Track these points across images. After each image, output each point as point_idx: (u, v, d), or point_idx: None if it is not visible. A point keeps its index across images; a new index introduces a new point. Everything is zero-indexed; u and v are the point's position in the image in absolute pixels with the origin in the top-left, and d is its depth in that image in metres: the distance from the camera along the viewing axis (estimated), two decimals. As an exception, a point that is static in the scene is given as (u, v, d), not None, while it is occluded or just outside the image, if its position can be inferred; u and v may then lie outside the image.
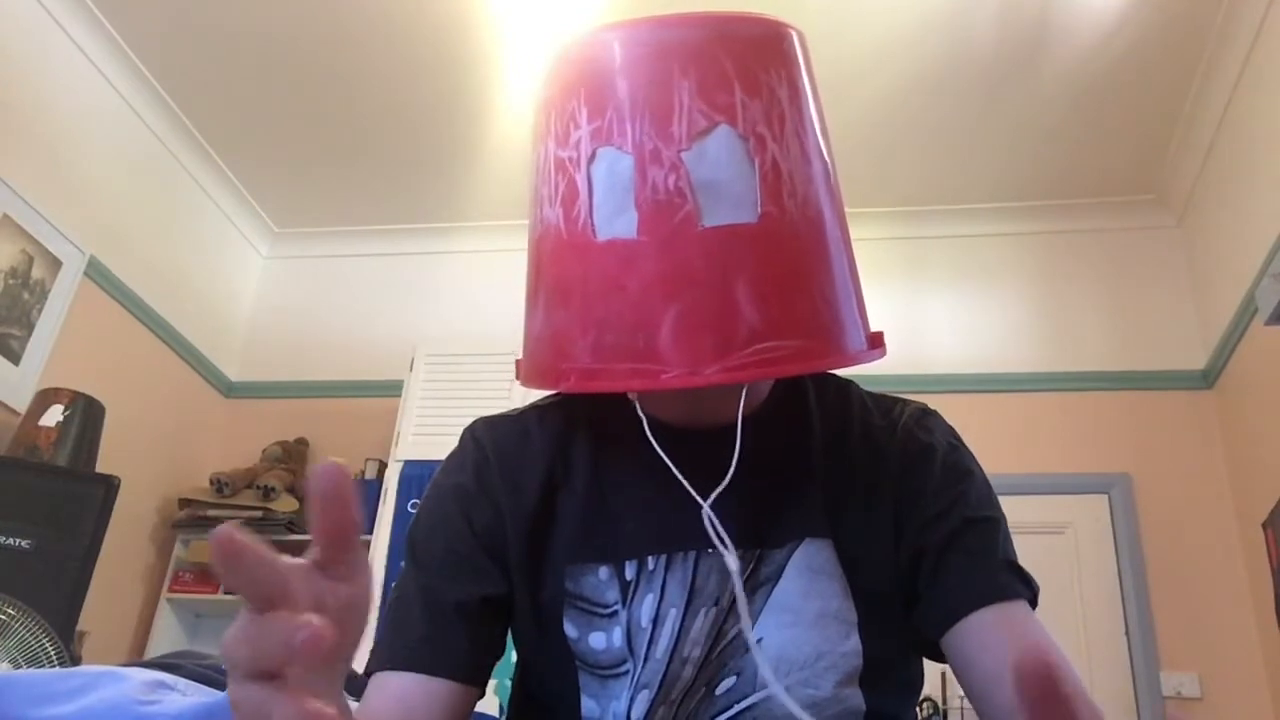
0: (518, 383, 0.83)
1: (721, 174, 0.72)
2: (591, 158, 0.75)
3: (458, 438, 0.91)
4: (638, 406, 0.81)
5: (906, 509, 0.82)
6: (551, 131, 0.79)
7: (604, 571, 0.81)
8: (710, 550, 0.79)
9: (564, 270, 0.77)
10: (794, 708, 0.72)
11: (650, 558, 0.80)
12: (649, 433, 0.79)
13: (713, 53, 0.75)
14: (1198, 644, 3.25)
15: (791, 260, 0.75)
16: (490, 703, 2.63)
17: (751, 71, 0.75)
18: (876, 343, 0.80)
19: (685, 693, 0.78)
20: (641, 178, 0.72)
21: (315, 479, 0.45)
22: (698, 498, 0.77)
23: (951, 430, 0.89)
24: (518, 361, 0.83)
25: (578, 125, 0.76)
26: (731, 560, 0.76)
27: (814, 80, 0.82)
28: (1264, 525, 3.10)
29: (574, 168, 0.76)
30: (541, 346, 0.79)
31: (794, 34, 0.81)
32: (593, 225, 0.74)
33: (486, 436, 0.89)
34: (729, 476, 0.76)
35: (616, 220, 0.73)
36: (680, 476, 0.78)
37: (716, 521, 0.77)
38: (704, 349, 0.70)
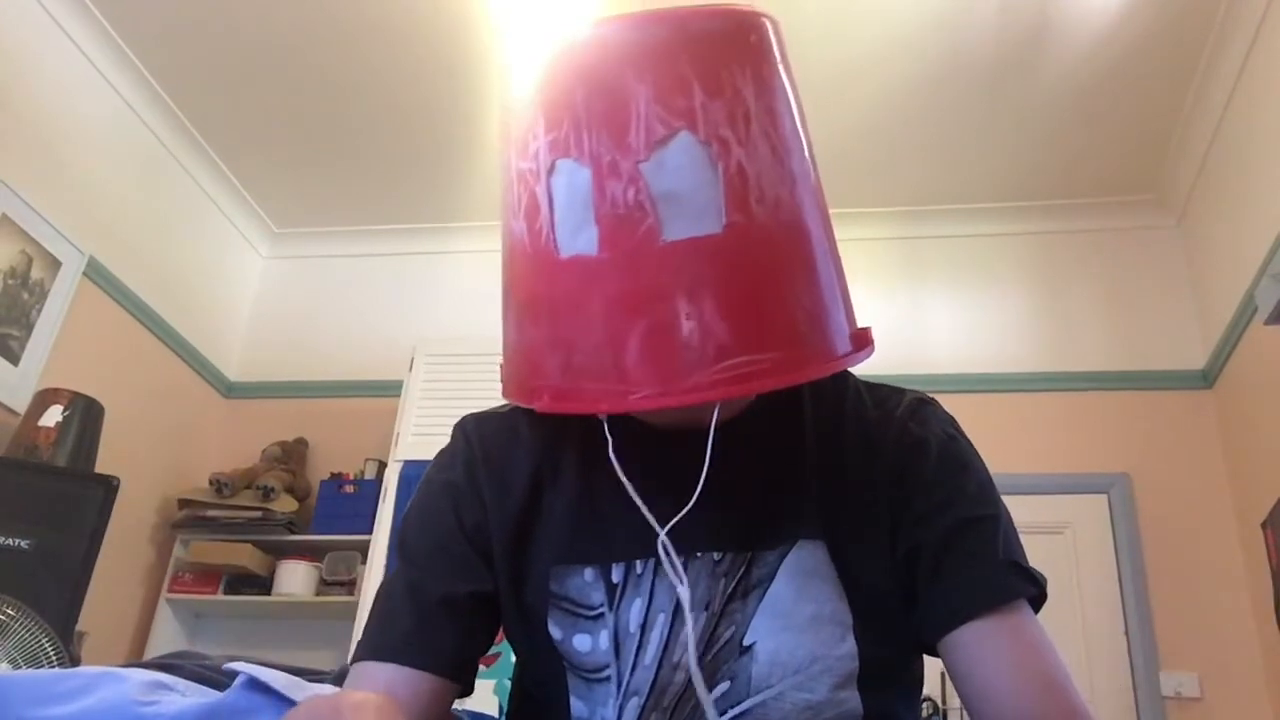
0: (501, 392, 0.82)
1: (683, 184, 0.69)
2: (550, 169, 0.72)
3: None
4: (604, 424, 0.79)
5: (901, 506, 0.80)
6: (512, 141, 0.77)
7: (589, 573, 0.80)
8: (699, 555, 0.78)
9: (531, 286, 0.75)
10: None
11: (638, 562, 0.79)
12: (613, 456, 0.77)
13: (671, 54, 0.71)
14: (1197, 644, 3.24)
15: (762, 270, 0.72)
16: (490, 702, 2.63)
17: (713, 71, 0.71)
18: (862, 342, 0.77)
19: (678, 699, 0.77)
20: (600, 192, 0.70)
21: None
22: (655, 525, 0.75)
23: (950, 420, 0.87)
24: (500, 366, 0.82)
25: (535, 135, 0.74)
26: (684, 592, 0.75)
27: (789, 70, 0.78)
28: (1263, 525, 3.10)
29: (534, 180, 0.73)
30: (518, 359, 0.78)
31: (764, 23, 0.77)
32: (555, 241, 0.72)
33: (476, 433, 0.88)
34: (691, 503, 0.75)
35: (578, 236, 0.71)
36: (640, 503, 0.76)
37: (671, 548, 0.75)
38: (672, 368, 0.69)
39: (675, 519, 0.76)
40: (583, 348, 0.71)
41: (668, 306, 0.69)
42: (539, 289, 0.74)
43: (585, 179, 0.71)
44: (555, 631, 0.80)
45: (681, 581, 0.75)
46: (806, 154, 0.78)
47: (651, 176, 0.69)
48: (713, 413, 0.75)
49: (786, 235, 0.73)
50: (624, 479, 0.76)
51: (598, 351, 0.71)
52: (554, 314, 0.73)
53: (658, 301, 0.69)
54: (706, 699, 0.75)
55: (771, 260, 0.73)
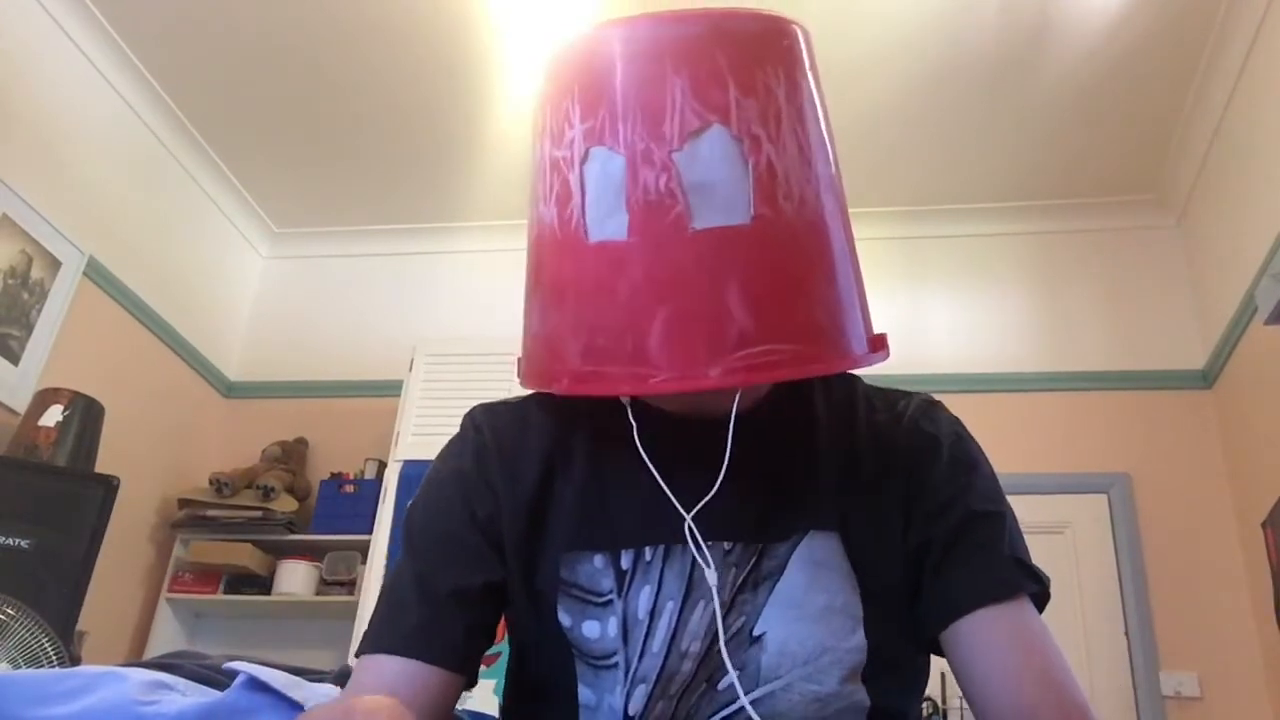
0: (517, 382, 0.83)
1: (714, 175, 0.71)
2: (585, 157, 0.74)
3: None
4: (628, 409, 0.81)
5: (913, 502, 0.82)
6: (547, 130, 0.78)
7: (599, 560, 0.81)
8: (709, 543, 0.79)
9: (558, 271, 0.77)
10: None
11: (648, 548, 0.80)
12: (638, 440, 0.79)
13: (708, 50, 0.74)
14: (1197, 644, 3.24)
15: (786, 263, 0.74)
16: (490, 702, 2.63)
17: (747, 69, 0.74)
18: (878, 346, 0.79)
19: (685, 687, 0.77)
20: (633, 179, 0.72)
21: None
22: (681, 510, 0.77)
23: (957, 421, 0.89)
24: (518, 359, 0.83)
25: (571, 124, 0.76)
26: (711, 575, 0.77)
27: (818, 77, 0.81)
28: (1263, 525, 3.10)
29: (567, 167, 0.75)
30: (538, 346, 0.79)
31: (796, 30, 0.80)
32: (585, 226, 0.74)
33: (486, 423, 0.89)
34: (716, 486, 0.77)
35: (608, 222, 0.73)
36: (665, 487, 0.78)
37: (698, 533, 0.77)
38: (695, 353, 0.70)
39: (701, 503, 0.77)
40: (606, 331, 0.73)
41: (693, 293, 0.71)
42: (566, 273, 0.76)
43: (619, 166, 0.72)
44: (564, 619, 0.80)
45: (710, 565, 0.77)
46: (831, 160, 0.80)
47: (684, 166, 0.71)
48: (733, 400, 0.77)
49: (810, 232, 0.76)
50: (649, 463, 0.78)
51: (620, 335, 0.72)
52: (579, 298, 0.75)
53: (683, 288, 0.71)
54: (734, 675, 0.76)
55: (795, 255, 0.75)
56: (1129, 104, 3.42)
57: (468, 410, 0.92)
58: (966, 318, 3.86)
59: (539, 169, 0.79)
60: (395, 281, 4.29)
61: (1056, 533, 3.45)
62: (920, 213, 3.96)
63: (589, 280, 0.74)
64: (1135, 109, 3.45)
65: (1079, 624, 3.32)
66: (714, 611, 0.78)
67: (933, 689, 2.98)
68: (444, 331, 3.93)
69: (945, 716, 3.07)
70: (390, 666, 0.77)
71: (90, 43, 3.33)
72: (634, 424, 0.80)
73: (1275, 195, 2.99)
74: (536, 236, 0.80)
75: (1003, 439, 3.32)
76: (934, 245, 3.96)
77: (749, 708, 0.75)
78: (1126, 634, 3.30)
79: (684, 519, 0.78)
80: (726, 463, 0.77)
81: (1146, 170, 3.73)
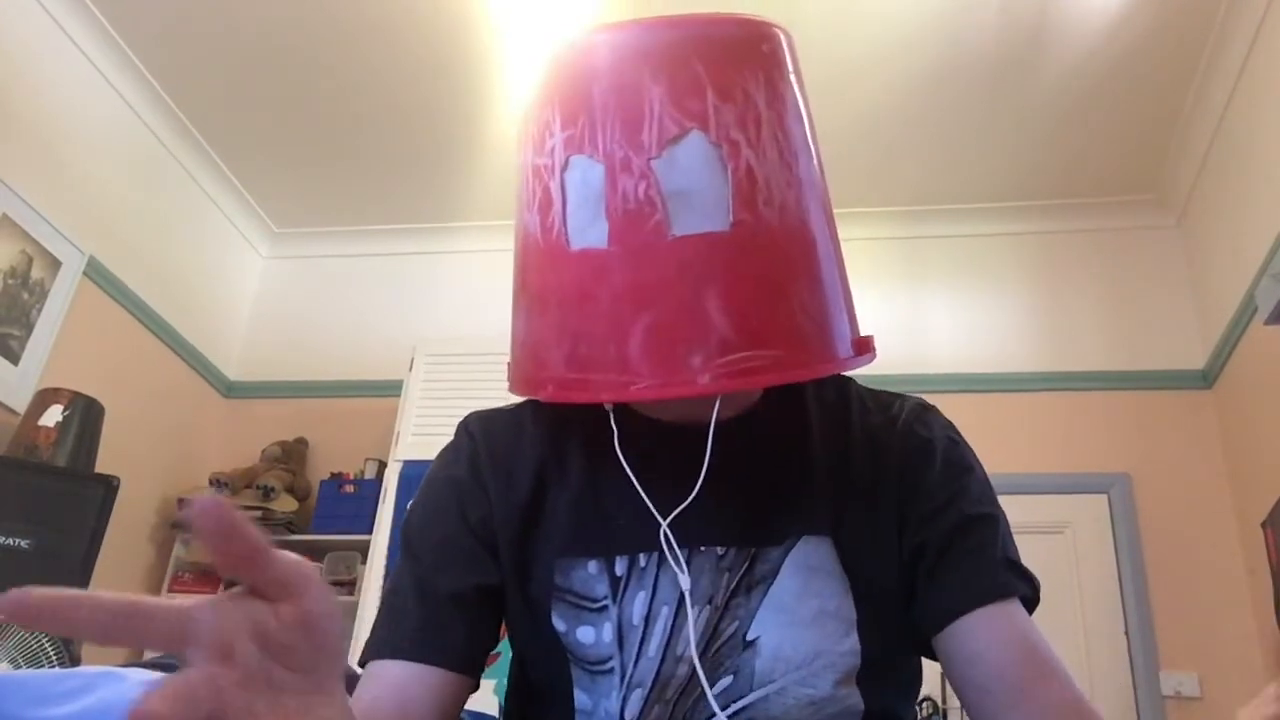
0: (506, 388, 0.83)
1: (692, 182, 0.72)
2: (565, 165, 0.75)
3: None
4: (611, 415, 0.81)
5: (907, 505, 0.82)
6: (529, 136, 0.79)
7: (593, 565, 0.81)
8: (702, 549, 0.79)
9: (541, 279, 0.77)
10: None
11: (642, 555, 0.80)
12: (618, 447, 0.79)
13: (686, 57, 0.74)
14: (1197, 644, 3.24)
15: (767, 269, 0.74)
16: (490, 703, 2.63)
17: (726, 75, 0.74)
18: (864, 348, 0.79)
19: (681, 692, 0.77)
20: (612, 187, 0.72)
21: (194, 518, 0.40)
22: (658, 516, 0.78)
23: (950, 425, 0.89)
24: (508, 364, 0.84)
25: (551, 133, 0.76)
26: (684, 580, 0.77)
27: (801, 81, 0.81)
28: (1264, 525, 3.10)
29: (549, 175, 0.76)
30: (525, 353, 0.80)
31: (778, 34, 0.79)
32: (566, 234, 0.74)
33: (480, 430, 0.89)
34: (695, 492, 0.77)
35: (589, 230, 0.73)
36: (644, 494, 0.78)
37: (673, 539, 0.77)
38: (676, 360, 0.70)
39: (677, 510, 0.77)
40: (588, 339, 0.73)
41: (673, 300, 0.71)
42: (549, 281, 0.76)
43: (598, 175, 0.73)
44: (559, 624, 0.80)
45: (683, 570, 0.77)
46: (815, 164, 0.80)
47: (663, 173, 0.71)
48: (713, 407, 0.77)
49: (792, 237, 0.75)
50: (627, 469, 0.78)
51: (603, 343, 0.72)
52: (562, 305, 0.75)
53: (663, 295, 0.71)
54: (708, 689, 0.76)
55: (776, 260, 0.74)
56: (1129, 104, 3.42)
57: (463, 418, 0.92)
58: (966, 318, 3.86)
59: (522, 175, 0.80)
60: (395, 281, 4.29)
61: (1056, 533, 3.45)
62: (920, 213, 3.96)
63: (571, 288, 0.74)
64: (1135, 109, 3.45)
65: (1079, 624, 3.32)
66: (706, 616, 0.78)
67: (933, 689, 2.98)
68: (444, 331, 3.93)
69: (945, 716, 3.07)
70: (395, 671, 0.77)
71: (90, 43, 3.33)
72: (615, 430, 0.80)
73: (1275, 195, 2.99)
74: (521, 243, 0.80)
75: (1002, 439, 3.34)
76: (934, 245, 3.96)
77: None
78: (1126, 634, 3.30)
79: (681, 522, 0.78)
80: (705, 468, 0.77)
81: (1146, 170, 3.73)
